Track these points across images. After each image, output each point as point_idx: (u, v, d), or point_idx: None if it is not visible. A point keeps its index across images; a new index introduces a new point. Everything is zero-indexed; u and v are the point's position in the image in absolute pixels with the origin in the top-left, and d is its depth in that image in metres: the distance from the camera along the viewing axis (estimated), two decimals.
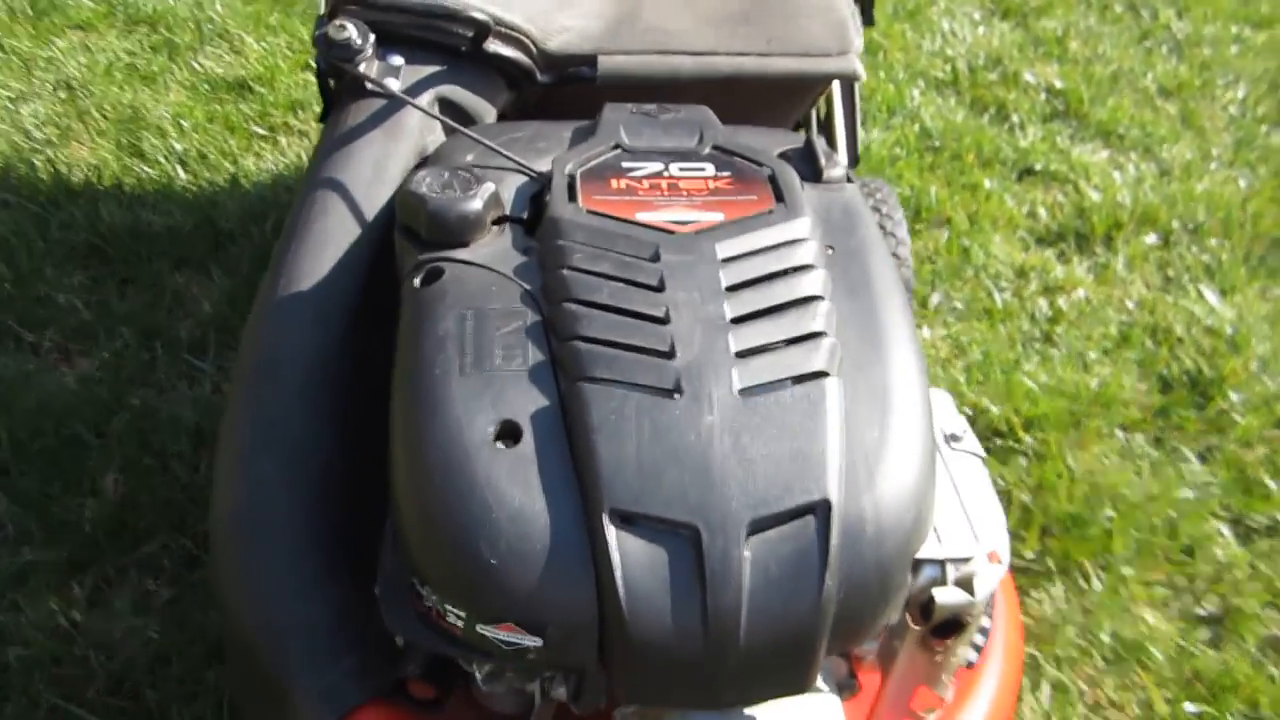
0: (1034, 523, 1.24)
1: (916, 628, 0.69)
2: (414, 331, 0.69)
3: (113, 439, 1.28)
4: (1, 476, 1.22)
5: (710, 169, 0.82)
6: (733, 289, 0.70)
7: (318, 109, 1.45)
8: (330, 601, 0.73)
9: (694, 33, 1.04)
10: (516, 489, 0.61)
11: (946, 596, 0.68)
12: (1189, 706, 1.07)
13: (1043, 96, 2.13)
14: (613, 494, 0.60)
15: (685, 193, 0.79)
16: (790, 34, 1.05)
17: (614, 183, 0.79)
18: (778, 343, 0.67)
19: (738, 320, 0.68)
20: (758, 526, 0.60)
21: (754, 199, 0.78)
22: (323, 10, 0.95)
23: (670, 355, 0.66)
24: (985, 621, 0.82)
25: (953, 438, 0.79)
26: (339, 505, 0.78)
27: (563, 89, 1.02)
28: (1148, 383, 1.48)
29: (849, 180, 0.84)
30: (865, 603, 0.63)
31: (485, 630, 0.62)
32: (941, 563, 0.69)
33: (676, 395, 0.64)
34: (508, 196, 0.79)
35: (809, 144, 0.86)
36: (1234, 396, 1.45)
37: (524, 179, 0.81)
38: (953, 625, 0.69)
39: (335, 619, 0.73)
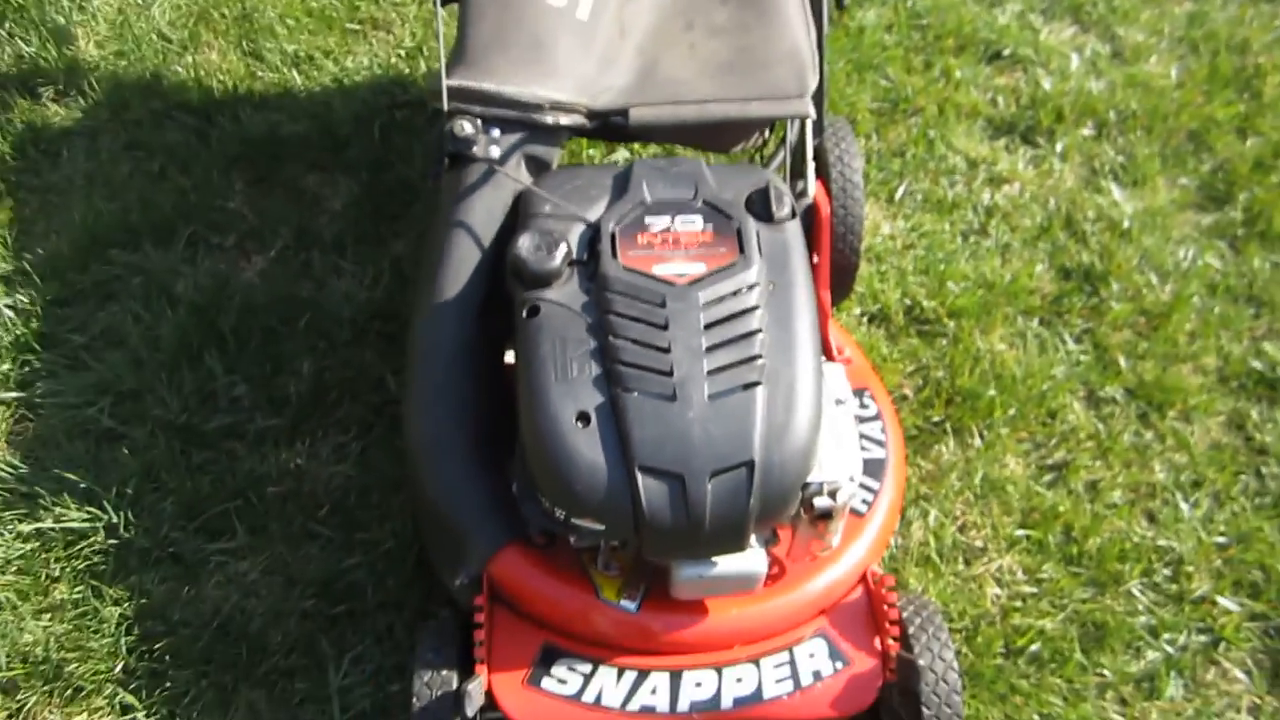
0: (942, 394, 1.78)
1: (806, 516, 1.26)
2: (527, 349, 1.21)
3: (296, 329, 1.82)
4: (233, 364, 1.78)
5: (699, 222, 1.28)
6: (708, 327, 1.20)
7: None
8: (485, 489, 1.31)
9: (695, 83, 1.41)
10: (590, 450, 1.15)
11: (820, 502, 1.24)
12: (1019, 531, 1.66)
13: None
14: (640, 456, 1.14)
15: (683, 245, 1.26)
16: (764, 81, 1.41)
17: (639, 238, 1.26)
18: (732, 364, 1.19)
19: (710, 349, 1.19)
20: (715, 474, 1.15)
21: (724, 251, 1.26)
22: (444, 107, 1.34)
23: (670, 374, 1.17)
24: (873, 485, 1.40)
25: (839, 402, 1.31)
26: (484, 433, 1.34)
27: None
28: (1052, 273, 1.96)
29: (793, 215, 1.30)
30: (774, 507, 1.19)
31: (575, 520, 1.19)
32: (820, 484, 1.25)
33: (674, 400, 1.16)
34: (574, 239, 1.27)
35: (766, 189, 1.31)
36: (1114, 286, 1.92)
37: (584, 225, 1.29)
38: (826, 515, 1.26)
39: (489, 498, 1.31)
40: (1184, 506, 1.68)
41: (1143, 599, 1.60)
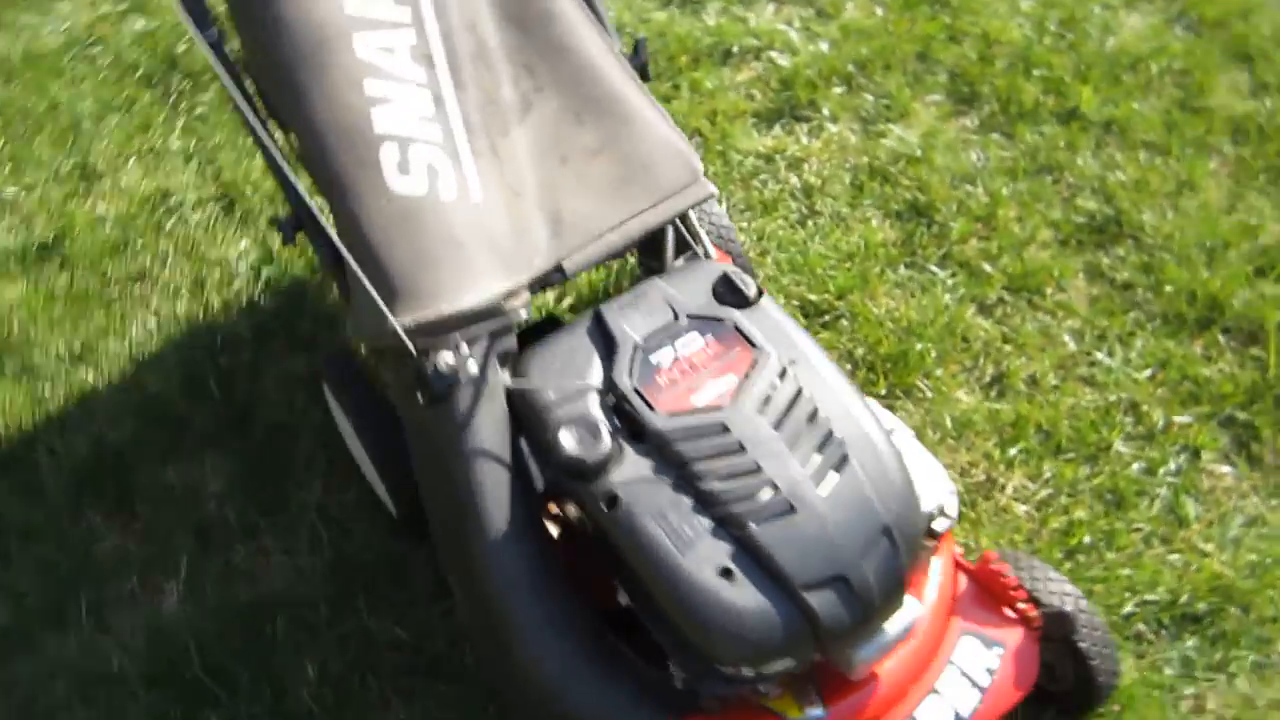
0: (876, 368, 1.88)
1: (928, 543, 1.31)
2: (631, 537, 1.16)
3: (273, 637, 1.63)
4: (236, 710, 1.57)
5: (697, 339, 1.27)
6: (777, 428, 1.21)
7: None
8: (633, 687, 1.24)
9: (603, 210, 1.37)
10: (750, 599, 1.13)
11: (939, 524, 1.30)
12: (1010, 451, 1.79)
13: None
14: (799, 578, 1.14)
15: (701, 367, 1.25)
16: (661, 180, 1.40)
17: (660, 380, 1.24)
18: (818, 450, 1.20)
19: (792, 448, 1.19)
20: (865, 555, 1.16)
21: (738, 352, 1.26)
22: (413, 350, 1.23)
23: (778, 489, 1.17)
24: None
25: (891, 431, 1.36)
26: (591, 635, 1.26)
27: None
28: (889, 220, 2.11)
29: (760, 292, 1.32)
30: (916, 552, 1.23)
31: (764, 670, 1.17)
32: (932, 509, 1.30)
33: (796, 511, 1.16)
34: (595, 413, 1.22)
35: (726, 277, 1.32)
36: (941, 208, 2.10)
37: (597, 394, 1.25)
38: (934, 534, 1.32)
39: (639, 693, 1.24)
40: (1106, 360, 1.88)
41: (1127, 450, 1.77)
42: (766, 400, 1.22)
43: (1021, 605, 1.37)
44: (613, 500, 1.17)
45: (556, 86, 1.41)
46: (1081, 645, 1.37)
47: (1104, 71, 2.31)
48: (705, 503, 1.16)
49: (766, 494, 1.16)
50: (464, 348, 1.25)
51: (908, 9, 2.46)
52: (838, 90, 2.32)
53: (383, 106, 1.28)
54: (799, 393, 1.23)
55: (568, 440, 1.17)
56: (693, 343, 1.26)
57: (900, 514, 1.19)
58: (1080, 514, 1.70)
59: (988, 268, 2.02)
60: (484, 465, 1.23)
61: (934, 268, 2.03)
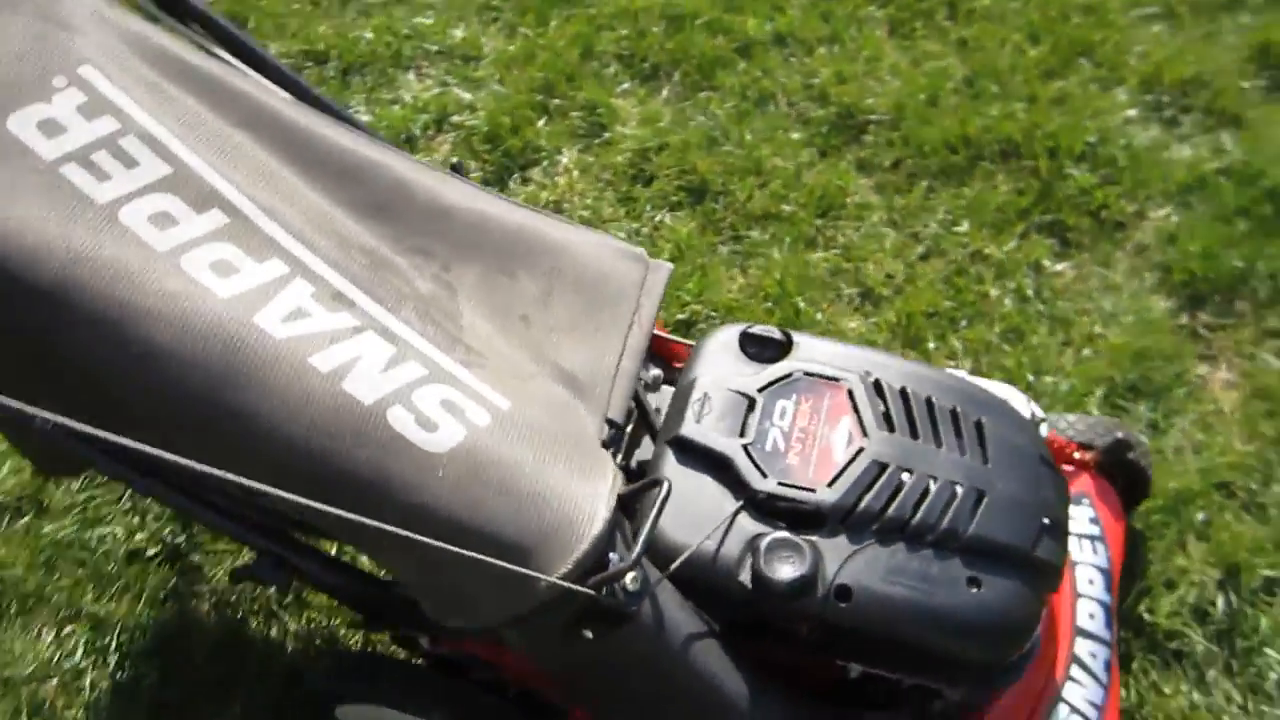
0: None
1: None
2: (882, 610, 1.10)
3: None
4: None
5: (788, 405, 1.20)
6: (914, 435, 1.18)
7: None
8: None
9: (598, 347, 1.24)
10: (1006, 589, 1.12)
11: (1044, 430, 1.37)
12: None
13: None
14: (1024, 542, 1.15)
15: (814, 427, 1.18)
16: (620, 286, 1.28)
17: (792, 461, 1.16)
18: (954, 432, 1.20)
19: (936, 443, 1.18)
20: (1042, 489, 1.21)
21: (829, 391, 1.21)
22: (589, 592, 1.00)
23: (958, 484, 1.15)
24: None
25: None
26: None
27: None
28: (684, 209, 2.11)
29: (785, 333, 1.27)
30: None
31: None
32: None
33: (984, 494, 1.15)
34: (765, 531, 1.12)
35: (749, 335, 1.26)
36: (719, 181, 2.13)
37: (745, 515, 1.14)
38: None
39: None
40: (929, 230, 2.04)
41: (997, 291, 1.95)
42: (888, 417, 1.19)
43: (1078, 455, 1.48)
44: (845, 592, 1.09)
45: (458, 254, 1.22)
46: (1132, 457, 1.52)
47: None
48: (916, 539, 1.12)
49: (957, 496, 1.14)
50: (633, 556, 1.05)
51: (542, 23, 2.43)
52: (542, 123, 2.26)
53: (352, 375, 1.03)
54: (904, 392, 1.21)
55: (783, 569, 1.07)
56: (788, 411, 1.19)
57: (1034, 437, 1.25)
58: (1008, 363, 1.85)
59: (800, 212, 2.09)
60: (702, 647, 1.10)
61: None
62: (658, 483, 1.07)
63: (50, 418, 0.75)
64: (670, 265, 1.31)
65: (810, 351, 1.25)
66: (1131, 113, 2.18)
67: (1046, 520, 1.17)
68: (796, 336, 1.27)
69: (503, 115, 2.24)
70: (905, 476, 1.15)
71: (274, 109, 1.19)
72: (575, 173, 2.17)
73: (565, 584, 0.98)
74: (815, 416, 1.19)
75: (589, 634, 1.04)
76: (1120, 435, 1.51)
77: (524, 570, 0.98)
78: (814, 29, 2.35)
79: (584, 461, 1.09)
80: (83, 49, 1.10)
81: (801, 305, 1.94)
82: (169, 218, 1.05)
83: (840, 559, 1.10)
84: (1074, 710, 1.31)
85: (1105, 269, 1.99)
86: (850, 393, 1.21)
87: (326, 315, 1.07)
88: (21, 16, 1.08)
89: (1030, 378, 1.83)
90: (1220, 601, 1.61)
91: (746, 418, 1.19)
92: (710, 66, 2.31)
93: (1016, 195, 2.07)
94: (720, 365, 1.24)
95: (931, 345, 1.89)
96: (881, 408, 1.20)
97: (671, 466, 1.17)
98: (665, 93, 2.30)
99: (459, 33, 2.40)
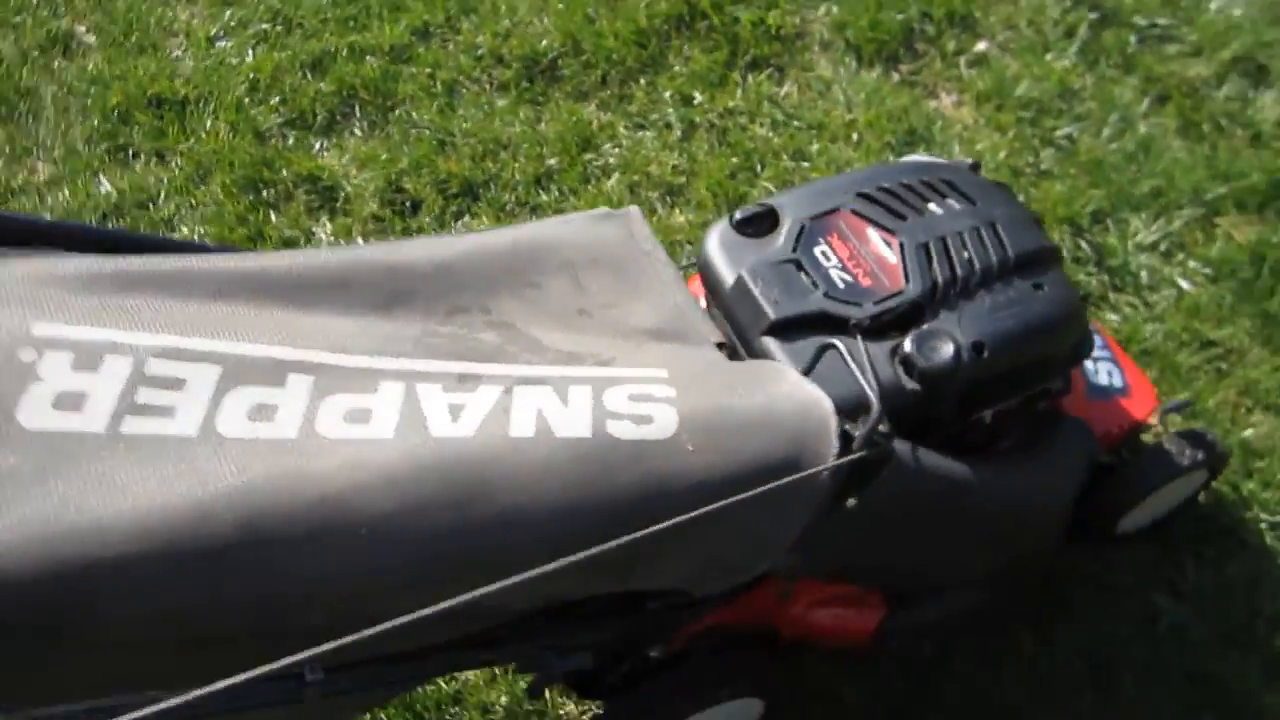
0: None
1: None
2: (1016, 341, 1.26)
3: None
4: None
5: (825, 243, 1.28)
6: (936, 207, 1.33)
7: None
8: None
9: (657, 294, 1.25)
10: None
11: None
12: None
13: None
14: None
15: (865, 253, 1.27)
16: (636, 239, 1.30)
17: (865, 282, 1.25)
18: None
19: None
20: None
21: (847, 219, 1.30)
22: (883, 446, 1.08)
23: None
24: None
25: None
26: None
27: None
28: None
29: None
30: None
31: None
32: None
33: None
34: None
35: (741, 219, 1.32)
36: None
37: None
38: None
39: None
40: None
41: None
42: (893, 212, 1.30)
43: None
44: (979, 346, 1.20)
45: (485, 296, 1.16)
46: None
47: None
48: (985, 280, 1.26)
49: (983, 234, 1.29)
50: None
51: (193, 130, 2.23)
52: (272, 217, 2.10)
53: (552, 422, 0.99)
54: (887, 189, 1.33)
55: (937, 354, 1.17)
56: (827, 252, 1.27)
57: (973, 173, 1.42)
58: (812, 175, 2.07)
59: (562, 160, 2.13)
60: (926, 454, 1.17)
61: (540, 196, 2.11)
62: (828, 347, 1.13)
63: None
64: (636, 208, 1.34)
65: (795, 206, 1.34)
66: None
67: (1036, 219, 1.37)
68: (772, 201, 1.36)
69: (228, 230, 2.06)
70: (942, 243, 1.29)
71: (211, 268, 1.07)
72: (340, 239, 2.06)
73: (843, 460, 1.02)
74: (848, 243, 1.29)
75: (853, 502, 1.10)
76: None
77: (807, 472, 1.01)
78: (446, 10, 2.38)
79: (755, 372, 1.13)
80: (14, 315, 0.94)
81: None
82: (264, 406, 0.94)
83: (955, 326, 1.23)
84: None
85: (813, 72, 2.26)
86: (854, 211, 1.32)
87: (474, 396, 1.01)
88: None
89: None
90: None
91: (803, 276, 1.26)
92: (382, 87, 2.26)
93: (714, 52, 2.27)
94: (740, 255, 1.29)
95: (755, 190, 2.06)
96: (882, 208, 1.32)
97: (781, 351, 1.22)
98: (359, 130, 2.22)
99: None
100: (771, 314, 1.21)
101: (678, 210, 2.06)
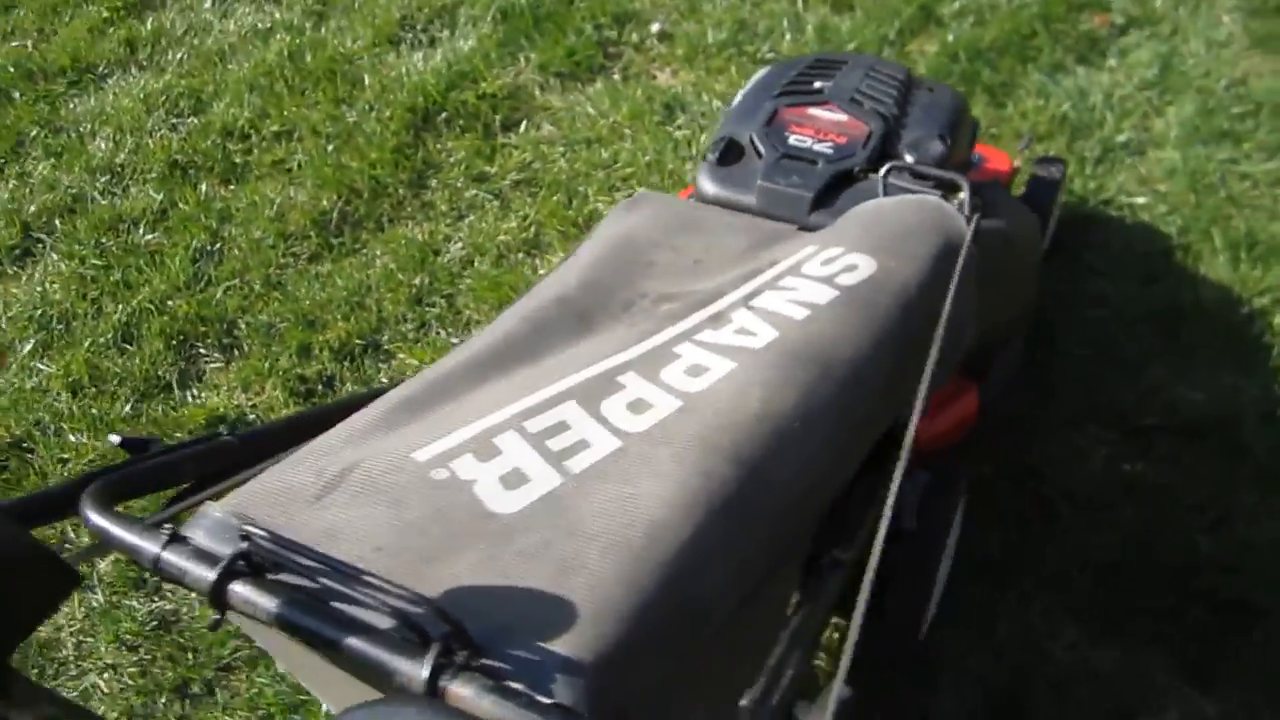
0: None
1: None
2: None
3: None
4: None
5: (801, 128, 1.52)
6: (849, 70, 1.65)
7: None
8: None
9: None
10: None
11: None
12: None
13: None
14: None
15: (817, 122, 1.57)
16: None
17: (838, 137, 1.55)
18: None
19: None
20: None
21: (800, 110, 1.57)
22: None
23: None
24: None
25: None
26: None
27: None
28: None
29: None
30: None
31: None
32: None
33: None
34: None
35: (720, 155, 1.53)
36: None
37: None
38: None
39: None
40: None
41: None
42: (818, 90, 1.60)
43: None
44: None
45: (640, 284, 1.27)
46: None
47: None
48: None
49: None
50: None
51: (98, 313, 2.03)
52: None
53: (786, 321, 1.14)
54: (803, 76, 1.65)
55: (931, 146, 1.45)
56: (802, 135, 1.50)
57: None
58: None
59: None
60: (993, 226, 1.43)
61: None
62: (863, 181, 1.41)
63: None
64: (643, 189, 1.51)
65: (744, 126, 1.53)
66: None
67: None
68: (723, 133, 1.55)
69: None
70: (860, 92, 1.59)
71: (445, 373, 1.10)
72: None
73: (972, 226, 1.28)
74: (806, 125, 1.52)
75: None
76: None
77: (966, 243, 1.25)
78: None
79: (869, 214, 1.33)
80: (391, 453, 0.97)
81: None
82: (634, 402, 1.03)
83: (920, 132, 1.51)
84: None
85: (549, 110, 2.52)
86: (788, 105, 1.57)
87: (741, 320, 1.14)
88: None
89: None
90: None
91: (800, 162, 1.46)
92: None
93: (468, 134, 2.46)
94: (741, 177, 1.45)
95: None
96: (803, 93, 1.60)
97: (830, 216, 1.41)
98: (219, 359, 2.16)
99: None
100: (808, 194, 1.43)
101: (543, 259, 2.24)
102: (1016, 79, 2.42)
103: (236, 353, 2.15)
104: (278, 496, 0.89)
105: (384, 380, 2.03)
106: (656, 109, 2.44)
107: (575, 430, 0.97)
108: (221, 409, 2.04)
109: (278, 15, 2.90)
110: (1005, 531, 1.70)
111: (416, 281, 2.18)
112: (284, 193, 2.40)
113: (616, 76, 2.56)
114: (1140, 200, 2.14)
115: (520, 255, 2.20)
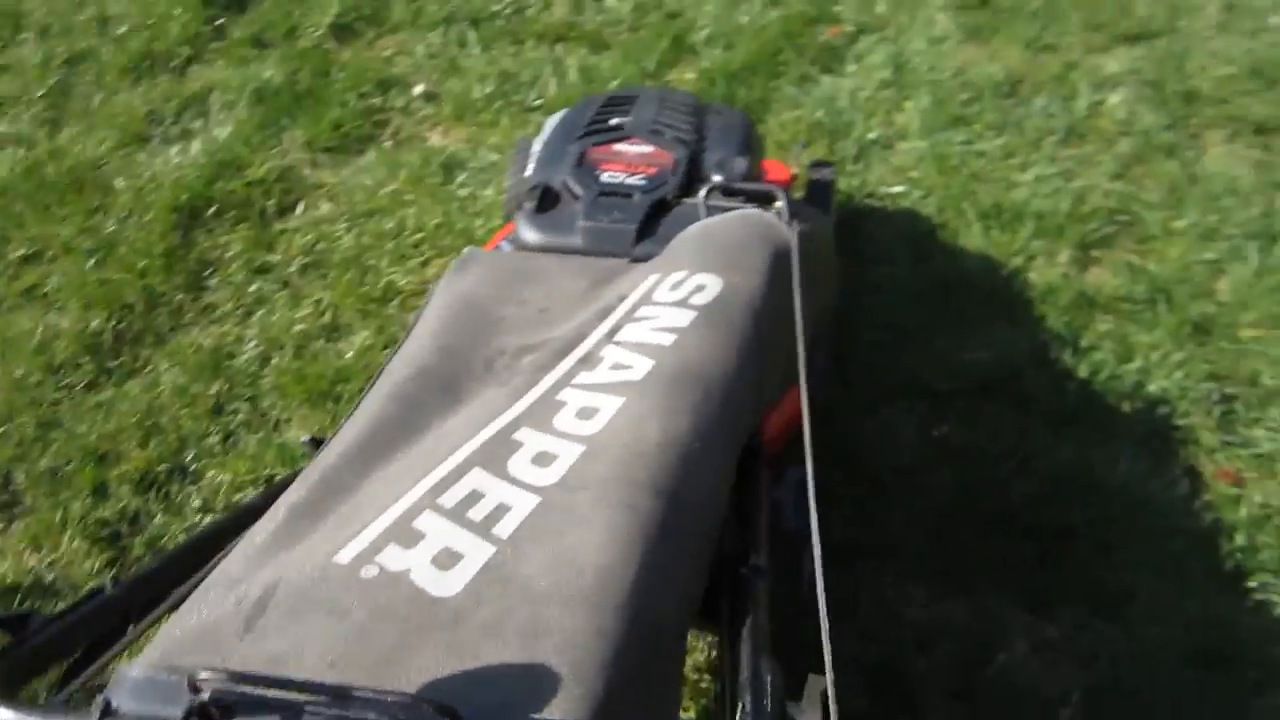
0: None
1: None
2: None
3: None
4: None
5: (614, 161, 1.59)
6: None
7: None
8: None
9: None
10: None
11: None
12: None
13: None
14: None
15: (621, 156, 1.61)
16: None
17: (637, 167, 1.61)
18: None
19: None
20: None
21: (603, 149, 1.63)
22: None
23: None
24: None
25: None
26: None
27: None
28: None
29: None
30: None
31: None
32: None
33: None
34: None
35: (538, 202, 1.58)
36: None
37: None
38: None
39: None
40: None
41: None
42: (618, 126, 1.67)
43: None
44: None
45: (492, 342, 1.27)
46: None
47: None
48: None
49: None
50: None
51: None
52: None
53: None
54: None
55: (735, 164, 1.54)
56: (612, 172, 1.55)
57: None
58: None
59: None
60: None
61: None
62: (682, 206, 1.48)
63: None
64: (469, 247, 1.48)
65: (555, 171, 1.58)
66: None
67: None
68: (534, 179, 1.59)
69: None
70: (658, 122, 1.67)
71: (314, 481, 1.06)
72: None
73: (795, 230, 1.36)
74: (615, 161, 1.58)
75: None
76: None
77: (793, 245, 1.33)
78: None
79: (696, 236, 1.38)
80: (318, 558, 0.94)
81: None
82: (541, 454, 1.04)
83: (720, 152, 1.62)
84: None
85: (322, 188, 2.47)
86: (593, 145, 1.63)
87: (611, 355, 1.17)
88: None
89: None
90: None
91: (617, 197, 1.50)
92: None
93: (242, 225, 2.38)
94: (562, 221, 1.49)
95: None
96: (604, 131, 1.65)
97: (653, 245, 1.43)
98: None
99: None
100: (631, 227, 1.47)
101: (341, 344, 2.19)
102: (770, 94, 2.58)
103: (18, 509, 1.90)
104: (202, 637, 0.83)
105: (196, 504, 1.90)
106: (435, 171, 2.44)
107: (491, 496, 0.96)
108: (10, 578, 1.84)
109: (4, 128, 2.71)
110: (843, 514, 1.80)
111: (213, 390, 2.05)
112: (44, 320, 2.21)
113: (388, 143, 2.55)
114: (898, 189, 2.33)
115: (322, 342, 2.13)
